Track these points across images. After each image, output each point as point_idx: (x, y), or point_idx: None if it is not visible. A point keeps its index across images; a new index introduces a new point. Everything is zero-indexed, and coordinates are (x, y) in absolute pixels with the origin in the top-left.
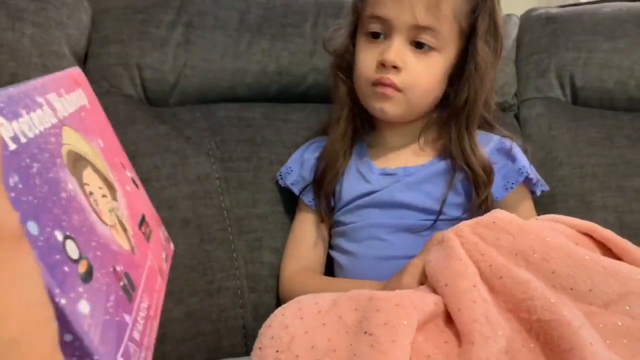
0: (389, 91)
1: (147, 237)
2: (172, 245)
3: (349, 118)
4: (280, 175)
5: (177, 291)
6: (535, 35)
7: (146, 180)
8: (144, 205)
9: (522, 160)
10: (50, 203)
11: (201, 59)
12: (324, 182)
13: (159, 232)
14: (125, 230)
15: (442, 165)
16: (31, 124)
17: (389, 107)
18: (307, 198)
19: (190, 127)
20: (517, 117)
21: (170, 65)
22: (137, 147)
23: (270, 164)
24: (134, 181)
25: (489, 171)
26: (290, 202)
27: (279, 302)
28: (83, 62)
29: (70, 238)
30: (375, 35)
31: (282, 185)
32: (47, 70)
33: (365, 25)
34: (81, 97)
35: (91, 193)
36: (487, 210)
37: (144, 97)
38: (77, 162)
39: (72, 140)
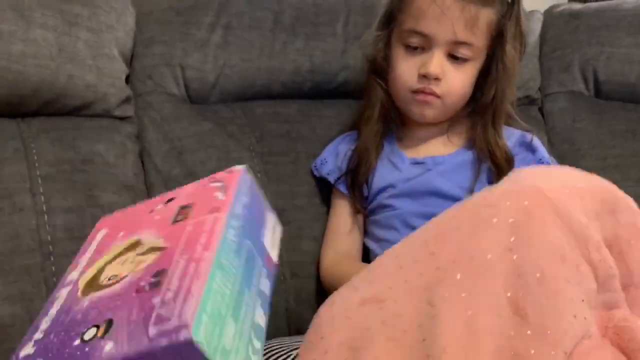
0: (430, 99)
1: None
2: None
3: (380, 117)
4: (315, 167)
5: None
6: (558, 31)
7: (194, 174)
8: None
9: (542, 151)
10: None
11: (239, 59)
12: (358, 174)
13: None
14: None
15: (467, 155)
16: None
17: (428, 112)
18: (342, 187)
19: (231, 124)
20: (541, 110)
21: (211, 65)
22: (184, 143)
23: (307, 157)
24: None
25: (510, 162)
26: (326, 194)
27: (319, 287)
28: (129, 62)
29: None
30: (414, 48)
31: (318, 175)
32: (99, 72)
33: (404, 37)
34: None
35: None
36: None
37: (186, 96)
38: (94, 281)
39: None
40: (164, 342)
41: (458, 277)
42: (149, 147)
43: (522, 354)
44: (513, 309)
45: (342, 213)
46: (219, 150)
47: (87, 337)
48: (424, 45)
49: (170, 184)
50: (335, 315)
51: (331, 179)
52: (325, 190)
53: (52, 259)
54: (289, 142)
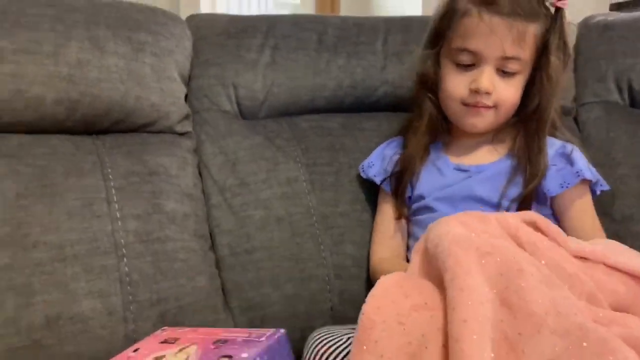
0: (483, 110)
1: None
2: None
3: (428, 127)
4: (362, 169)
5: (276, 278)
6: (593, 43)
7: (246, 184)
8: None
9: (580, 164)
10: None
11: (286, 77)
12: (402, 179)
13: None
14: None
15: (508, 163)
16: None
17: (480, 122)
18: (388, 188)
19: (279, 137)
20: (576, 120)
21: (260, 84)
22: (237, 156)
23: (349, 167)
24: None
25: (543, 172)
26: (368, 201)
27: (362, 289)
28: (187, 82)
29: None
30: (464, 65)
31: (365, 177)
32: (162, 93)
33: (453, 55)
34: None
35: None
36: (529, 200)
37: (238, 112)
38: None
39: None
40: None
41: None
42: (206, 160)
43: (511, 337)
44: (500, 301)
45: (388, 212)
46: (269, 162)
47: None
48: (474, 61)
49: (225, 192)
50: (387, 319)
51: (377, 180)
52: (367, 197)
53: (125, 260)
54: (332, 154)
